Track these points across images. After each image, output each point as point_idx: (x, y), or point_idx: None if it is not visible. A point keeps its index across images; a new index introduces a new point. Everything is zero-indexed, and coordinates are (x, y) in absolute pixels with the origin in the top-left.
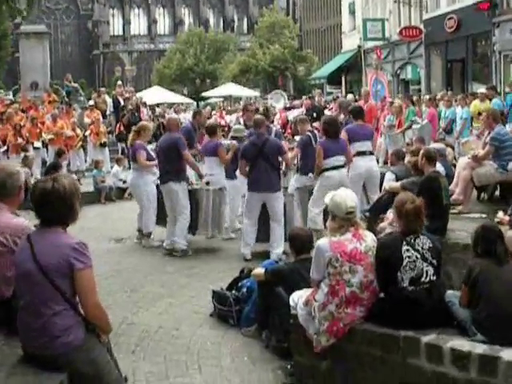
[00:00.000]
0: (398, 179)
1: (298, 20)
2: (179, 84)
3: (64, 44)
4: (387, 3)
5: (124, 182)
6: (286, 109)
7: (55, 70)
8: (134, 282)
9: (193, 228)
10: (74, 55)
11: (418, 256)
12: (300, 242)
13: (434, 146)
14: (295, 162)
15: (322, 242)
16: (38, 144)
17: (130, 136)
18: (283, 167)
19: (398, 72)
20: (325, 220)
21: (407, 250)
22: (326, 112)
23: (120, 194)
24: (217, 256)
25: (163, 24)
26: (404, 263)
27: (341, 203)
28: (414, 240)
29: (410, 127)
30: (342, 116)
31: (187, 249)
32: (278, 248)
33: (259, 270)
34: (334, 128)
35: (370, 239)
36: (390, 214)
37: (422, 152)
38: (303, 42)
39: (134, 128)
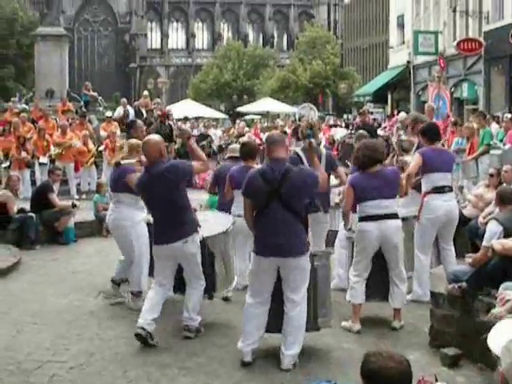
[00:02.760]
0: (506, 233)
1: (338, 38)
2: (215, 99)
3: (101, 56)
4: (441, 14)
5: None
6: (331, 126)
7: (91, 83)
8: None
9: (209, 290)
10: (110, 67)
11: None
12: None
13: None
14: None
15: None
16: (44, 159)
17: (119, 152)
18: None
19: (452, 90)
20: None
21: None
22: (379, 132)
23: None
24: (229, 332)
25: (201, 38)
26: None
27: None
28: None
29: (485, 152)
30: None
31: (200, 326)
32: (294, 347)
33: None
34: (373, 156)
35: None
36: (508, 293)
37: None
38: (344, 60)
39: (124, 142)
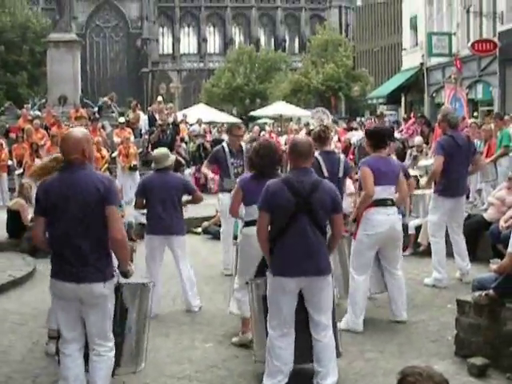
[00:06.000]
0: None
1: (350, 40)
2: (228, 103)
3: (113, 61)
4: (455, 15)
5: None
6: (347, 129)
7: (103, 88)
8: None
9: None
10: (122, 73)
11: None
12: None
13: None
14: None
15: None
16: None
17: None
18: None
19: (467, 91)
20: None
21: None
22: (396, 134)
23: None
24: None
25: (213, 43)
26: None
27: None
28: None
29: (504, 154)
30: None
31: None
32: (332, 376)
33: None
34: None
35: None
36: None
37: None
38: (357, 62)
39: None
